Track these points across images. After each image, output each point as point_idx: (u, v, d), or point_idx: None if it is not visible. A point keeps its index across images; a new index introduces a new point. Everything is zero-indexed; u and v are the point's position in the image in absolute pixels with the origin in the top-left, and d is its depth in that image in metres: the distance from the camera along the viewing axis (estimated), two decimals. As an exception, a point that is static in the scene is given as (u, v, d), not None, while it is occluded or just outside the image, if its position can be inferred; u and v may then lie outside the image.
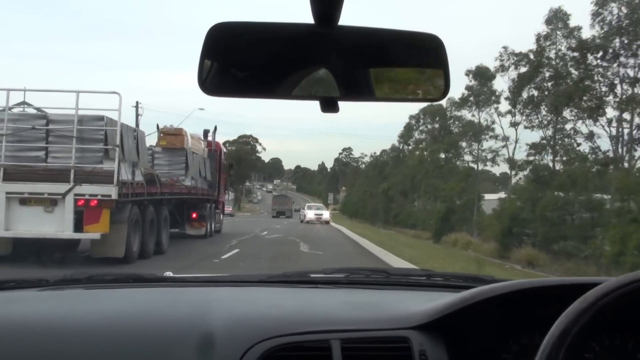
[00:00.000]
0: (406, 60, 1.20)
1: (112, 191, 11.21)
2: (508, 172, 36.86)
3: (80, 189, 11.24)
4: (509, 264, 22.55)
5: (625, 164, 25.34)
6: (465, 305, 1.39)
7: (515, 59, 32.68)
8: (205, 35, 1.12)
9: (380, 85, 1.18)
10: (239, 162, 77.28)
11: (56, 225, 11.26)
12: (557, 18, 29.66)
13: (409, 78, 1.21)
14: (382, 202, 57.39)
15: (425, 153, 49.70)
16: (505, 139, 37.50)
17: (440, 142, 46.22)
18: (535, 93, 31.09)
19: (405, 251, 18.21)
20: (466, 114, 41.68)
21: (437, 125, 48.90)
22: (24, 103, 12.13)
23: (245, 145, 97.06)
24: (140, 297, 1.80)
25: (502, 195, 37.87)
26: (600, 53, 25.59)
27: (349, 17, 1.12)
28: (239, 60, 1.15)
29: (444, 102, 41.92)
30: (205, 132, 21.46)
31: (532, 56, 31.13)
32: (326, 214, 47.33)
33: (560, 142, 30.05)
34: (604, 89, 26.31)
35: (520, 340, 1.40)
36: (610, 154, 26.44)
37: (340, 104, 1.16)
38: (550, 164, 30.63)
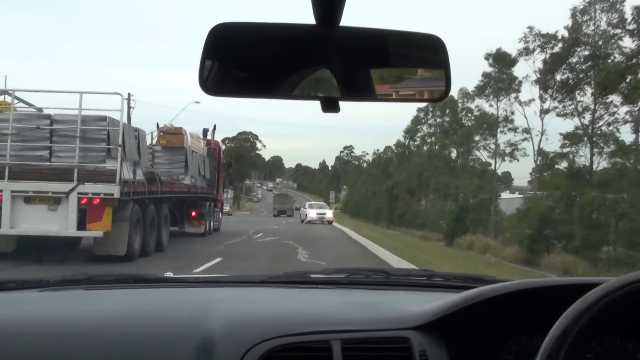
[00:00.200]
0: (407, 61, 1.20)
1: (114, 190, 11.30)
2: (533, 164, 32.91)
3: (84, 188, 11.33)
4: (542, 272, 19.09)
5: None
6: (466, 305, 1.39)
7: (542, 40, 30.03)
8: (207, 35, 1.12)
9: (381, 85, 1.18)
10: (238, 159, 76.74)
11: (60, 223, 11.35)
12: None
13: (410, 78, 1.21)
14: (386, 201, 54.21)
15: (435, 147, 46.11)
16: (527, 130, 34.36)
17: (452, 136, 43.11)
18: (570, 75, 27.98)
19: (432, 261, 15.33)
20: (482, 103, 38.06)
21: (447, 119, 45.79)
22: (4, 92, 12.22)
23: (245, 142, 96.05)
24: (140, 297, 1.80)
25: (517, 195, 34.94)
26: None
27: (350, 17, 1.11)
28: (240, 61, 1.15)
29: (454, 94, 39.59)
30: (205, 131, 21.60)
31: (566, 33, 28.01)
32: (329, 213, 42.92)
33: (598, 131, 26.83)
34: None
35: (520, 341, 1.40)
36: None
37: (341, 103, 1.17)
38: (588, 157, 27.34)
